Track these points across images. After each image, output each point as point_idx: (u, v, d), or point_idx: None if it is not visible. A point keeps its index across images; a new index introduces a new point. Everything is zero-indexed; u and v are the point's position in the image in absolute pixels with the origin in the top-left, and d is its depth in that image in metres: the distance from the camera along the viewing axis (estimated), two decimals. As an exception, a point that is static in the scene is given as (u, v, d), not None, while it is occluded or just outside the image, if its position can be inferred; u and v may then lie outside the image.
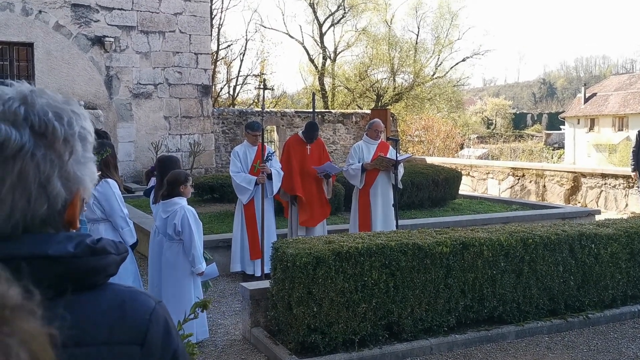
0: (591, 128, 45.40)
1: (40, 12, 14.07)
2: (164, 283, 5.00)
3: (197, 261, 4.86)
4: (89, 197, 1.01)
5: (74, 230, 0.99)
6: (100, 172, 4.43)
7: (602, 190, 12.62)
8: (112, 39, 14.68)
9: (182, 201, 4.91)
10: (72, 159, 0.95)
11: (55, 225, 0.96)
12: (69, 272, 0.92)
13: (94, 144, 1.00)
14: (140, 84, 15.19)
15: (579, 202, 12.81)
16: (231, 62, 33.60)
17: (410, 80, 33.23)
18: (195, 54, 15.92)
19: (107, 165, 4.95)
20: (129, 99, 15.08)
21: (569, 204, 12.76)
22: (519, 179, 14.24)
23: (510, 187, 14.39)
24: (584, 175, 12.96)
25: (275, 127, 18.72)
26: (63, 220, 0.97)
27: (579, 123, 45.64)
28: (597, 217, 9.84)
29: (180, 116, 15.79)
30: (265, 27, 47.85)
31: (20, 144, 0.90)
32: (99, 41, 14.61)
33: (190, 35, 15.82)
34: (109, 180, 4.90)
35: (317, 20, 34.02)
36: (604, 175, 12.64)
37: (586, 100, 46.60)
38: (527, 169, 14.26)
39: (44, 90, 0.98)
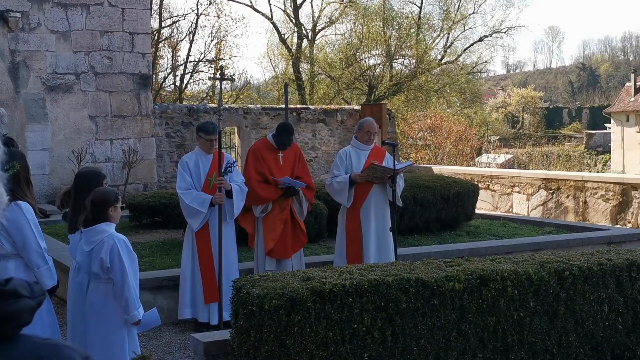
0: (645, 126, 45.96)
1: None
2: (89, 335, 4.97)
3: (131, 306, 4.84)
4: None
5: None
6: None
7: (659, 207, 12.76)
8: (18, 15, 14.62)
9: (110, 228, 4.90)
10: None
11: None
12: None
13: (1, 156, 1.01)
14: (57, 73, 15.12)
15: (630, 223, 12.95)
16: (177, 44, 33.67)
17: (412, 67, 33.50)
18: (130, 33, 15.92)
19: (18, 183, 4.89)
20: (41, 94, 15.00)
21: (617, 224, 12.90)
22: (553, 193, 14.38)
23: (542, 204, 14.51)
24: (635, 187, 13.10)
25: (236, 128, 18.75)
26: None
27: (628, 120, 46.17)
28: (653, 242, 9.97)
29: (111, 115, 15.75)
30: (222, -2, 47.99)
31: None
32: (1, 17, 14.54)
33: (123, 9, 15.82)
34: (21, 203, 4.83)
35: (290, -12, 34.25)
36: (661, 188, 12.79)
37: (637, 90, 47.25)
38: (563, 180, 14.38)
39: None
